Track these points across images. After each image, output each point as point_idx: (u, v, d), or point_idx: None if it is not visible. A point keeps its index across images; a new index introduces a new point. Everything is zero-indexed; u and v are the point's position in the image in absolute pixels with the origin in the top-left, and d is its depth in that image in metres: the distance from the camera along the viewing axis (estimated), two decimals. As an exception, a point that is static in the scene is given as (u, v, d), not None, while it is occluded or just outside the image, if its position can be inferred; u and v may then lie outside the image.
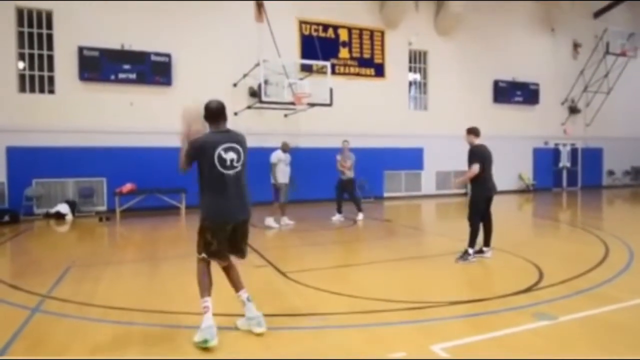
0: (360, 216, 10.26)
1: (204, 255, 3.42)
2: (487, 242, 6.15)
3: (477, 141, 6.15)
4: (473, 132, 6.21)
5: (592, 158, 20.48)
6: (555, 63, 19.29)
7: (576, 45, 19.67)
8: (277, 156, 9.33)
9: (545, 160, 19.27)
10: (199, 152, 3.31)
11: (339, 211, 10.42)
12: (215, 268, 3.54)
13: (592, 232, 8.22)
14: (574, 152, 20.13)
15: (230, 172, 3.35)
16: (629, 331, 3.50)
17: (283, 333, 3.53)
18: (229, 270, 3.60)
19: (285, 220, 9.61)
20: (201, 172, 3.38)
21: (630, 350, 3.14)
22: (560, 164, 19.86)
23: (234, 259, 3.64)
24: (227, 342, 3.32)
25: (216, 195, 3.36)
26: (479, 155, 5.97)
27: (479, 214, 6.04)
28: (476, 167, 5.89)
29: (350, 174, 10.16)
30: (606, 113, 19.97)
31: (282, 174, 9.35)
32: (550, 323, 3.60)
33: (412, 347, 3.18)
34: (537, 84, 18.73)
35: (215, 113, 3.41)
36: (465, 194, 17.25)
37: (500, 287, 4.80)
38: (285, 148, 9.51)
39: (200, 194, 3.46)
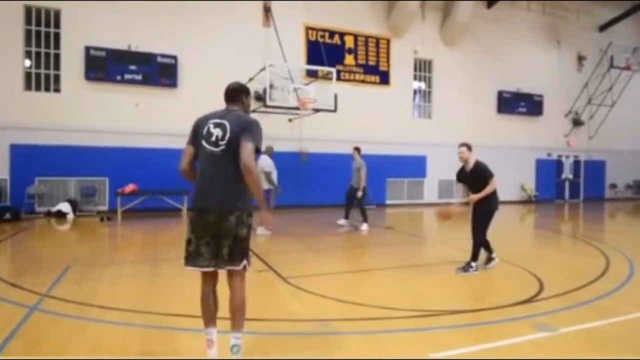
0: (365, 226, 9.99)
1: (184, 262, 2.95)
2: (492, 250, 6.09)
3: (473, 158, 5.90)
4: (469, 147, 5.93)
5: (594, 170, 20.45)
6: (560, 75, 19.33)
7: (581, 58, 19.72)
8: (269, 164, 9.20)
9: (548, 171, 19.25)
10: (196, 127, 3.06)
11: (346, 217, 10.36)
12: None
13: (594, 244, 8.19)
14: (576, 164, 20.11)
15: (215, 149, 2.91)
16: (630, 344, 3.49)
17: (281, 338, 3.53)
18: (229, 284, 2.99)
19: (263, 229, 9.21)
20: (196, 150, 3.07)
21: (631, 365, 3.13)
22: (563, 176, 19.84)
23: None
24: (224, 346, 3.32)
25: (200, 177, 2.99)
26: (489, 169, 5.78)
27: (487, 228, 5.89)
28: (495, 181, 5.72)
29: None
30: (609, 126, 19.97)
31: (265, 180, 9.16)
32: (550, 334, 3.58)
33: (411, 355, 3.17)
34: (541, 96, 18.75)
35: (226, 94, 3.15)
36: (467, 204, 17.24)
37: (500, 297, 4.78)
38: (270, 153, 9.41)
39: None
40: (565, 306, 4.36)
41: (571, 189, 20.10)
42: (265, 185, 9.15)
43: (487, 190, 5.73)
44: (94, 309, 4.14)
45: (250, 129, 2.93)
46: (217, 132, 2.94)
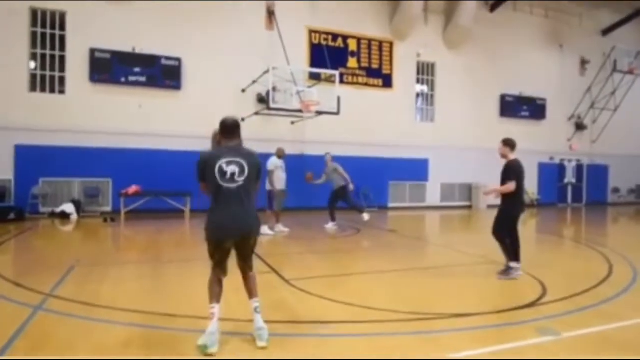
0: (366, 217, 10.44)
1: (214, 265, 3.48)
2: (517, 257, 5.82)
3: (512, 155, 5.84)
4: (510, 144, 5.86)
5: (597, 175, 20.41)
6: (563, 79, 19.33)
7: (584, 62, 19.73)
8: (274, 163, 9.29)
9: (551, 175, 19.22)
10: (204, 165, 3.37)
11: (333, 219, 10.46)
12: (233, 276, 3.53)
13: (596, 249, 8.16)
14: (579, 168, 20.07)
15: (231, 185, 3.31)
16: (634, 349, 3.47)
17: (284, 339, 3.52)
18: (244, 278, 3.61)
19: (280, 227, 9.52)
20: (209, 185, 3.41)
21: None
22: (566, 180, 19.80)
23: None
24: (230, 346, 3.33)
25: (217, 209, 3.36)
26: (516, 172, 5.70)
27: (508, 229, 5.81)
28: (512, 185, 5.62)
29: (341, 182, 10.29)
30: (612, 130, 19.94)
31: (279, 181, 9.31)
32: (554, 339, 3.57)
33: (414, 358, 3.16)
34: (544, 100, 18.75)
35: (228, 129, 3.46)
36: (470, 206, 17.22)
37: (504, 301, 4.77)
38: (280, 154, 9.49)
39: (209, 205, 3.50)
40: (569, 310, 4.34)
41: (574, 193, 20.05)
42: (268, 186, 9.20)
43: (502, 188, 5.72)
44: (97, 309, 4.15)
45: (255, 161, 3.47)
46: (232, 169, 3.32)
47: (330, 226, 10.32)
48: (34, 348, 3.25)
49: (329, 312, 4.26)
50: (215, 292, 3.38)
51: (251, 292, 3.55)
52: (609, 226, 13.63)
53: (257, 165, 3.46)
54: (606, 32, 20.03)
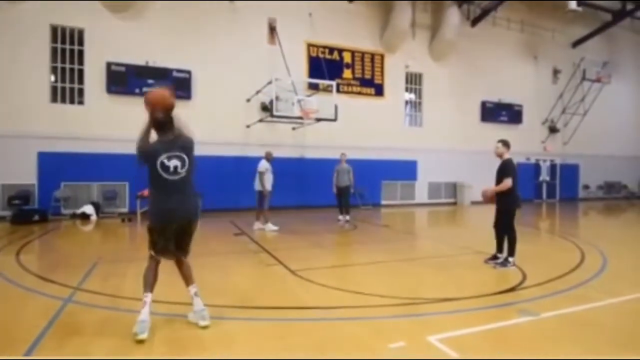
0: (347, 217, 10.73)
1: (152, 253, 3.44)
2: (513, 252, 5.80)
3: (507, 155, 5.90)
4: (508, 145, 5.91)
5: (569, 173, 20.61)
6: (537, 87, 19.51)
7: (556, 72, 19.92)
8: (264, 166, 9.30)
9: (527, 174, 19.35)
10: (144, 159, 3.33)
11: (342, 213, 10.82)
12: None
13: (570, 239, 8.29)
14: (553, 167, 20.25)
15: (175, 177, 3.32)
16: (602, 327, 3.58)
17: (294, 324, 3.60)
18: (180, 266, 3.60)
19: (270, 225, 9.33)
20: (149, 176, 3.37)
21: (603, 344, 3.22)
22: (541, 178, 19.97)
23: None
24: (244, 332, 3.39)
25: (160, 198, 3.35)
26: (512, 170, 5.76)
27: (508, 224, 5.81)
28: (509, 181, 5.66)
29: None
30: (582, 133, 20.16)
31: (269, 182, 9.33)
32: (533, 319, 3.67)
33: (410, 338, 3.25)
34: (520, 105, 18.91)
35: (160, 124, 3.37)
36: (455, 203, 17.33)
37: (487, 286, 4.85)
38: (269, 157, 9.49)
39: (149, 195, 3.48)
40: (546, 294, 4.45)
41: (548, 189, 20.23)
42: (258, 187, 9.24)
43: (498, 187, 5.75)
44: (122, 300, 4.21)
45: (192, 149, 3.45)
46: (174, 163, 3.30)
47: (340, 218, 10.73)
48: (66, 335, 3.30)
49: (331, 298, 4.33)
50: (150, 282, 3.39)
51: (188, 279, 3.56)
52: (580, 219, 13.78)
53: (192, 151, 3.45)
54: (576, 44, 20.24)
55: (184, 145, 3.39)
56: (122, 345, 3.12)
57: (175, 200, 3.33)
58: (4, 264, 5.82)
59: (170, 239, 3.41)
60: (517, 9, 18.35)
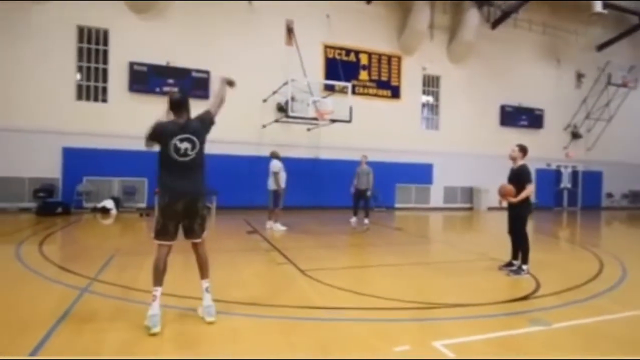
0: (366, 221, 10.45)
1: (152, 236, 3.48)
2: (527, 259, 5.70)
3: (521, 161, 5.83)
4: (524, 150, 5.88)
5: (592, 180, 20.02)
6: (559, 91, 19.05)
7: (579, 76, 19.41)
8: (278, 165, 9.29)
9: (547, 180, 18.93)
10: (157, 138, 3.38)
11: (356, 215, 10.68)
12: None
13: (590, 249, 8.06)
14: (574, 174, 19.72)
15: (185, 159, 3.40)
16: (617, 340, 3.46)
17: (299, 322, 3.61)
18: (196, 252, 3.64)
19: (279, 226, 9.35)
20: (160, 155, 3.44)
21: (615, 357, 3.12)
22: (562, 185, 19.47)
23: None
24: (249, 328, 3.43)
25: (169, 176, 3.41)
26: (530, 175, 5.72)
27: (520, 230, 5.75)
28: (532, 187, 5.63)
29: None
30: (607, 139, 19.57)
31: (283, 181, 9.35)
32: (544, 328, 3.58)
33: (415, 342, 3.22)
34: (541, 110, 18.51)
35: (176, 104, 3.46)
36: (471, 208, 17.09)
37: (499, 294, 4.77)
38: (278, 155, 9.49)
39: (158, 174, 3.51)
40: (560, 304, 4.33)
41: (569, 197, 19.70)
42: (273, 186, 9.27)
43: (523, 194, 5.64)
44: (136, 292, 4.29)
45: (202, 132, 3.52)
46: (185, 145, 3.37)
47: (353, 220, 10.56)
48: (81, 323, 3.39)
49: (339, 299, 4.32)
50: (159, 274, 3.41)
51: (203, 272, 3.61)
52: (602, 229, 13.37)
53: (204, 129, 3.54)
54: (601, 47, 19.68)
55: (196, 129, 3.47)
56: (133, 335, 3.19)
57: (183, 179, 3.40)
58: (28, 254, 6.04)
59: (173, 218, 3.42)
60: (539, 11, 17.97)
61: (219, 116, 3.81)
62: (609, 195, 20.40)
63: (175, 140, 3.36)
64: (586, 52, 19.48)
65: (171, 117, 3.51)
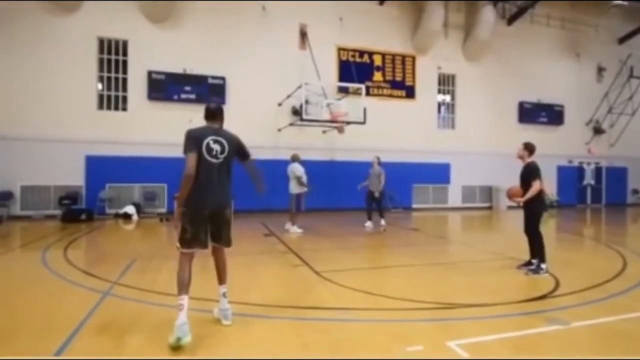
0: (382, 222, 10.30)
1: (177, 246, 3.42)
2: (544, 258, 5.63)
3: (529, 158, 5.75)
4: (529, 148, 5.76)
5: (616, 177, 19.38)
6: (580, 86, 18.53)
7: (600, 69, 18.85)
8: (300, 169, 9.31)
9: (569, 177, 18.43)
10: (195, 141, 3.41)
11: (370, 218, 10.52)
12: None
13: (613, 247, 7.81)
14: (598, 170, 19.14)
15: (214, 160, 3.46)
16: (638, 339, 3.36)
17: (314, 323, 3.63)
18: (216, 258, 3.66)
19: (295, 228, 9.41)
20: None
21: (636, 357, 3.03)
22: (585, 182, 18.92)
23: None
24: (264, 328, 3.47)
25: (199, 183, 3.37)
26: (539, 172, 5.62)
27: (534, 228, 5.68)
28: (538, 184, 5.53)
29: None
30: (631, 134, 18.93)
31: (306, 184, 9.39)
32: (562, 328, 3.51)
33: (429, 342, 3.20)
34: (561, 106, 18.04)
35: (211, 112, 3.64)
36: (490, 207, 16.78)
37: (517, 293, 4.69)
38: (299, 159, 9.52)
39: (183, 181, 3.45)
40: (579, 302, 4.24)
41: (593, 194, 19.12)
42: (297, 189, 9.30)
43: (530, 192, 5.56)
44: (155, 295, 4.41)
45: (243, 145, 3.72)
46: (216, 147, 3.48)
47: (368, 224, 10.39)
48: (103, 325, 3.51)
49: (353, 300, 4.33)
50: (185, 283, 3.33)
51: (221, 278, 3.65)
52: (628, 226, 12.92)
53: (237, 145, 3.65)
54: (622, 40, 19.06)
55: (228, 137, 3.61)
56: (153, 337, 3.27)
57: (211, 186, 3.42)
58: (53, 259, 6.27)
59: (202, 226, 3.41)
60: (556, 5, 17.56)
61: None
62: (635, 191, 19.70)
63: (209, 140, 3.47)
64: (607, 45, 18.91)
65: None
